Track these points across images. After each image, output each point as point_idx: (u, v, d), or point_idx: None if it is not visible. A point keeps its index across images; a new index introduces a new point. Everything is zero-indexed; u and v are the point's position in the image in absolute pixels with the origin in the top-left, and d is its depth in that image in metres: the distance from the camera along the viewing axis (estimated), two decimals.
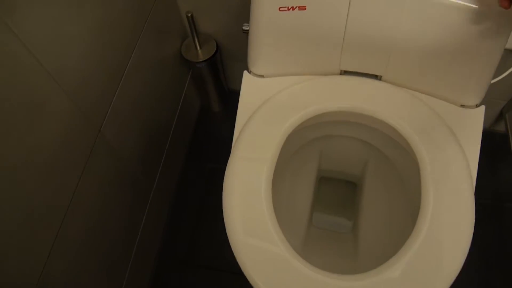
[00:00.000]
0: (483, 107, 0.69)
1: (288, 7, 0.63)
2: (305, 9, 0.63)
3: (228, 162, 0.65)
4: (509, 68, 0.88)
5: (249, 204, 0.61)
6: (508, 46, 0.89)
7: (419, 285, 0.53)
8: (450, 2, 0.57)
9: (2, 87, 0.49)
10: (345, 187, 0.98)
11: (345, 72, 0.72)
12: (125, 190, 0.84)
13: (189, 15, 0.96)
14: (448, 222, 0.57)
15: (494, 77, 0.89)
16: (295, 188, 0.88)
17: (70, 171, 0.64)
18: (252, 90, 0.74)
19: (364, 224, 0.79)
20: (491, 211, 1.08)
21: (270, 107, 0.70)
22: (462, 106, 0.68)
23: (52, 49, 0.57)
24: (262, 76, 0.75)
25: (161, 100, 0.98)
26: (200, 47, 1.05)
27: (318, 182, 0.96)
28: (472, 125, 0.66)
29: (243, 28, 0.92)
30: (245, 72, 0.76)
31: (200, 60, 1.05)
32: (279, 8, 0.63)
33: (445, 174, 0.61)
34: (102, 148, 0.73)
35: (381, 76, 0.70)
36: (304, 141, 0.83)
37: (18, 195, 0.53)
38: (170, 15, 0.98)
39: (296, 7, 0.63)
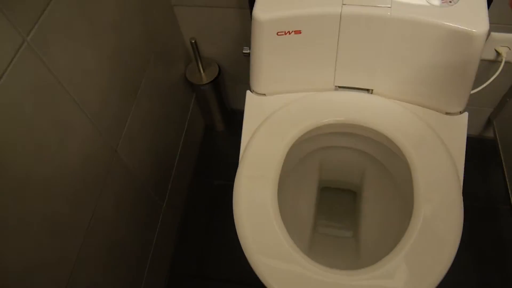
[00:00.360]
0: (466, 114, 0.75)
1: (285, 32, 0.70)
2: (300, 33, 0.70)
3: (235, 181, 0.71)
4: (491, 77, 0.95)
5: (259, 218, 0.66)
6: (489, 57, 0.97)
7: (412, 278, 0.58)
8: (427, 23, 0.65)
9: (37, 112, 0.55)
10: (346, 196, 1.04)
11: (339, 88, 0.79)
12: (138, 207, 0.89)
13: (193, 41, 1.03)
14: (439, 219, 0.63)
15: (478, 86, 0.96)
16: (298, 198, 0.94)
17: (91, 187, 0.70)
18: (255, 108, 0.80)
19: (365, 228, 0.84)
20: (485, 213, 1.13)
21: (271, 124, 0.76)
22: (447, 113, 0.75)
23: (76, 78, 0.64)
24: (264, 94, 0.81)
25: (169, 121, 1.05)
26: (204, 71, 1.13)
27: (320, 192, 1.02)
28: (457, 130, 0.73)
29: (244, 51, 0.99)
30: (248, 91, 0.83)
31: (204, 83, 1.12)
32: (277, 32, 0.70)
33: (434, 176, 0.67)
34: (118, 167, 0.79)
35: (372, 90, 0.77)
36: (305, 153, 0.89)
37: (47, 208, 0.59)
38: (175, 42, 1.05)
39: (292, 31, 0.70)
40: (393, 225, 0.78)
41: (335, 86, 0.79)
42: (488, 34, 0.66)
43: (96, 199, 0.72)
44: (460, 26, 0.63)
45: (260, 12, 0.69)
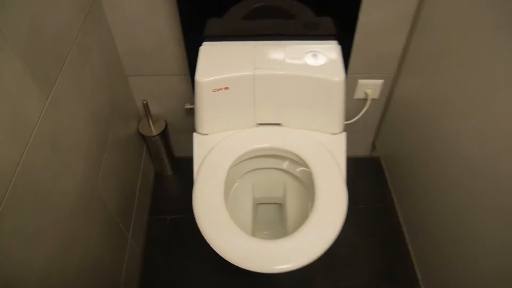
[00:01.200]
0: (344, 133, 1.11)
1: (218, 88, 1.03)
2: (228, 89, 1.03)
3: (194, 210, 0.96)
4: (361, 111, 1.35)
5: (217, 223, 0.92)
6: (361, 96, 1.37)
7: (311, 243, 0.88)
8: (308, 76, 1.01)
9: (53, 155, 0.80)
10: (275, 207, 1.35)
11: (259, 124, 1.12)
12: (110, 235, 1.11)
13: (145, 102, 1.32)
14: (330, 205, 0.95)
15: (352, 118, 1.35)
16: (238, 212, 1.22)
17: (82, 221, 0.93)
18: (201, 144, 1.10)
19: (289, 221, 1.15)
20: (381, 212, 1.49)
21: (212, 156, 1.06)
22: (332, 134, 1.11)
23: (72, 131, 0.89)
24: (206, 134, 1.12)
25: (128, 166, 1.29)
26: (153, 125, 1.41)
27: (256, 207, 1.31)
28: (340, 145, 1.08)
29: (185, 107, 1.30)
30: (194, 133, 1.13)
31: (154, 135, 1.40)
32: (213, 89, 1.03)
33: (327, 176, 1.00)
34: (97, 199, 1.02)
35: (281, 124, 1.11)
36: (240, 175, 1.19)
37: (60, 221, 0.81)
38: (130, 103, 1.33)
39: (223, 88, 1.03)
40: (305, 214, 1.09)
41: (256, 123, 1.12)
42: (346, 81, 1.03)
43: (83, 229, 0.94)
44: (326, 77, 1.00)
45: (201, 76, 1.01)
